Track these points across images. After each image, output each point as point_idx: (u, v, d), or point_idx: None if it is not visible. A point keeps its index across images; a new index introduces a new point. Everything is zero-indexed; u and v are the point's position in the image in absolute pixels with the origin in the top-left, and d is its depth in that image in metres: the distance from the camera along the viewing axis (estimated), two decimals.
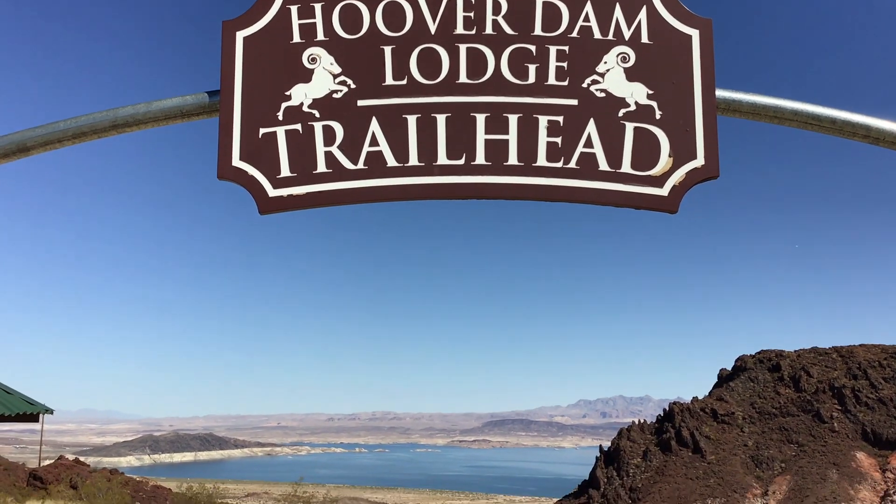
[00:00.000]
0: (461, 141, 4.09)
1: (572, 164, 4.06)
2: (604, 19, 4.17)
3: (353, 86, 4.16)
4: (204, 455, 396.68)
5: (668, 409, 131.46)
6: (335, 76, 4.16)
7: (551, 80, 4.13)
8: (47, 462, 61.46)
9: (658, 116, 4.08)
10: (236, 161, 4.10)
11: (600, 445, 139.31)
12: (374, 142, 4.10)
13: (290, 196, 4.07)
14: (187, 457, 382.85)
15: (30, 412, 5.15)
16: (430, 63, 4.15)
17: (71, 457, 63.31)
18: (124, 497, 32.62)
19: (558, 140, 4.07)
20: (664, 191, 4.03)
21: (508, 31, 4.17)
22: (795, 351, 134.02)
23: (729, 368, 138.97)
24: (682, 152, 4.06)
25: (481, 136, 4.09)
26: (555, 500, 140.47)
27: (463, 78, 4.14)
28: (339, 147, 4.10)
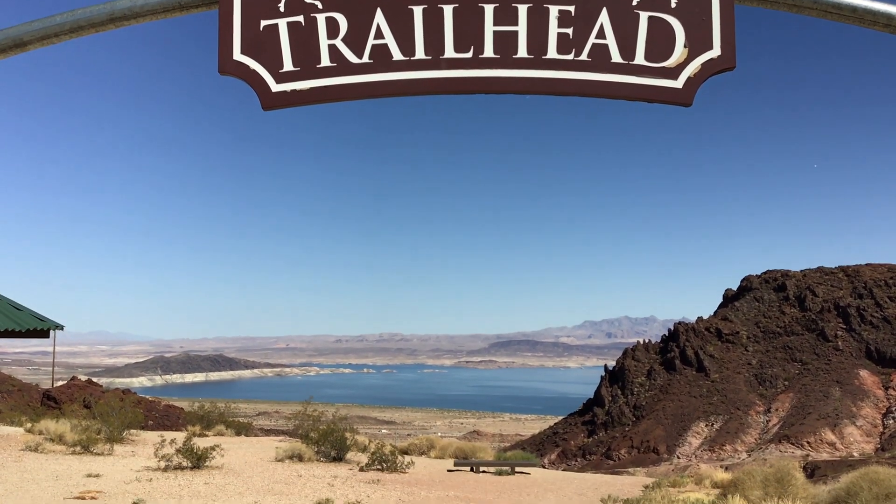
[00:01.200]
0: (469, 33, 3.94)
1: (584, 57, 3.92)
2: None
3: None
4: (215, 376, 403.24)
5: (672, 328, 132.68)
6: None
7: None
8: (60, 383, 62.58)
9: (673, 5, 3.92)
10: (237, 55, 3.98)
11: (605, 365, 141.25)
12: (378, 34, 3.96)
13: (293, 91, 3.96)
14: (198, 377, 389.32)
15: (40, 328, 5.14)
16: None
17: (83, 377, 64.46)
18: (138, 415, 33.08)
19: (569, 31, 3.92)
20: (678, 83, 3.90)
21: None
22: (801, 271, 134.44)
23: (734, 289, 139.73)
24: (698, 42, 3.91)
25: (490, 28, 3.94)
26: (560, 417, 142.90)
27: None
28: (342, 40, 3.96)
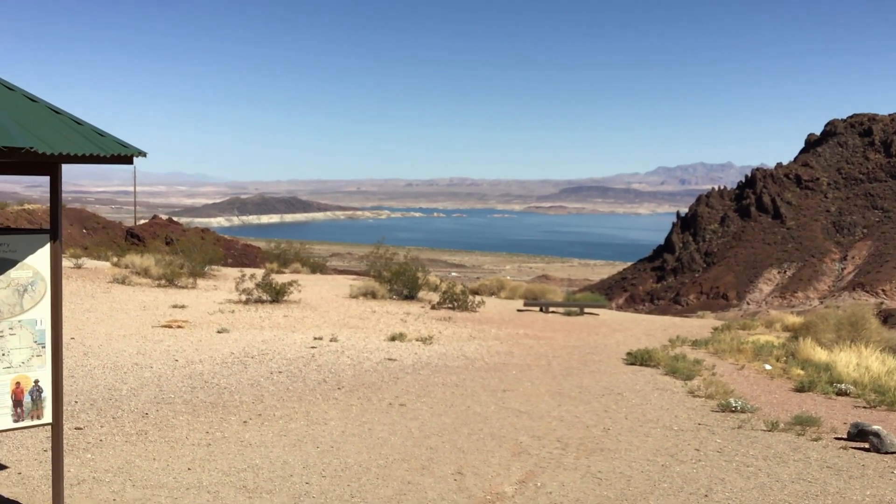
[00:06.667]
0: None
1: None
2: None
3: None
4: (289, 217, 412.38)
5: (750, 175, 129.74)
6: None
7: None
8: (142, 221, 64.79)
9: None
10: None
11: (678, 212, 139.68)
12: None
13: None
14: (273, 219, 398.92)
15: (123, 154, 5.19)
16: None
17: (164, 216, 66.46)
18: (218, 252, 34.26)
19: None
20: None
21: None
22: (890, 115, 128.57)
23: (818, 133, 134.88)
24: None
25: None
26: (629, 263, 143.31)
27: None
28: None
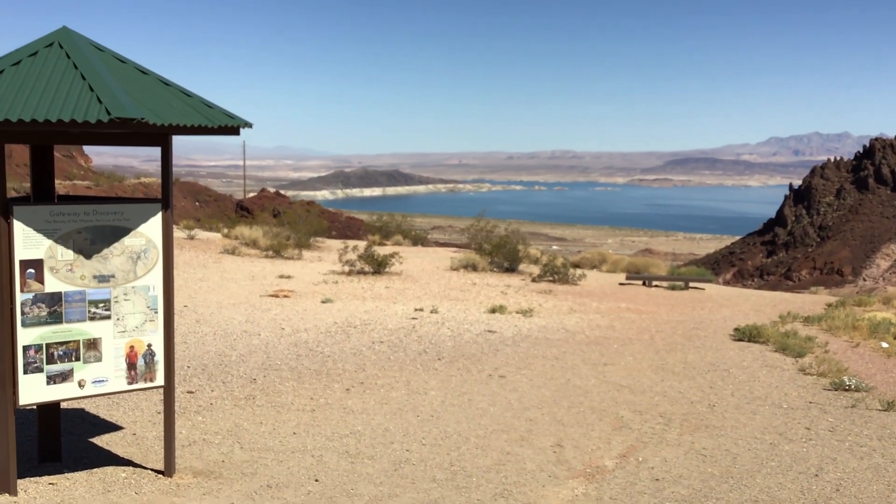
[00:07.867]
0: None
1: None
2: None
3: None
4: (391, 190, 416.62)
5: (868, 145, 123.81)
6: None
7: None
8: (251, 194, 66.66)
9: None
10: None
11: (790, 184, 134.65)
12: None
13: None
14: (376, 192, 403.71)
15: (230, 125, 5.34)
16: None
17: (272, 190, 68.20)
18: (322, 224, 35.01)
19: None
20: None
21: None
22: None
23: None
24: None
25: None
26: (737, 237, 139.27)
27: None
28: None
